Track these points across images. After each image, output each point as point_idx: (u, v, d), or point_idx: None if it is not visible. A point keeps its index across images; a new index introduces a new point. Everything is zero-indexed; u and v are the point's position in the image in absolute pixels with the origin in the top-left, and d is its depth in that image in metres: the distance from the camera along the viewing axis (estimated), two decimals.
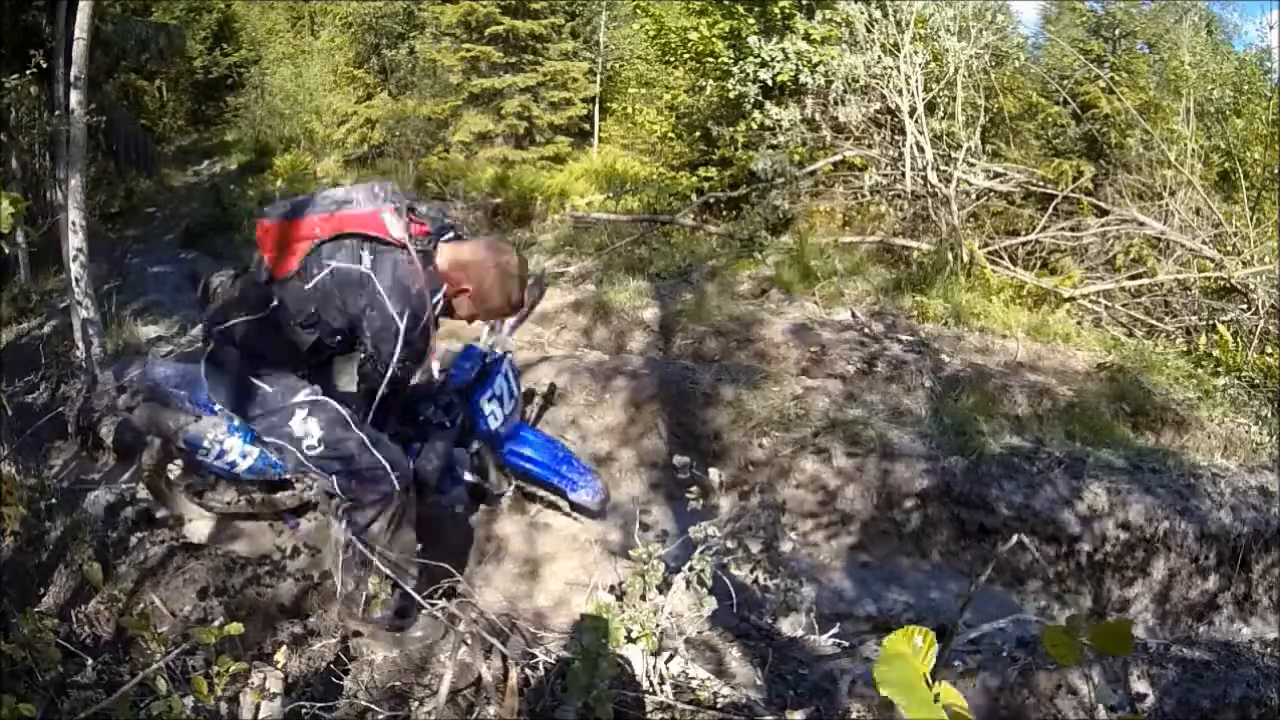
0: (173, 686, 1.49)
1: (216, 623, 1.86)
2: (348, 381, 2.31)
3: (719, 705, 1.91)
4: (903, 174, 6.84)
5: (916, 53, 6.86)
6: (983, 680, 1.93)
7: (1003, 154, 7.86)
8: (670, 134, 9.33)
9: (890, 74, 6.91)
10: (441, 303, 2.06)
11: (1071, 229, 6.28)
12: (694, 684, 1.98)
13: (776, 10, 7.74)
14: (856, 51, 7.17)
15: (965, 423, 3.57)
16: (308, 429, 2.02)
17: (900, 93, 6.79)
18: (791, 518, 3.29)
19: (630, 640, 1.96)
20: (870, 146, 7.39)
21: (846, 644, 2.48)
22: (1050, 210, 6.29)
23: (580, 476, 2.81)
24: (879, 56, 6.99)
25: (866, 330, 4.90)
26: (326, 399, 2.07)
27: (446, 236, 2.13)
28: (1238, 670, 2.03)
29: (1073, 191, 6.49)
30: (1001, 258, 6.09)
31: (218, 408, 2.39)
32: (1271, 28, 13.24)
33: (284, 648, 1.94)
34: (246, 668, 1.77)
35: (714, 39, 8.04)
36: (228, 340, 2.05)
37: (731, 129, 8.06)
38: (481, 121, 11.80)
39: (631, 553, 2.11)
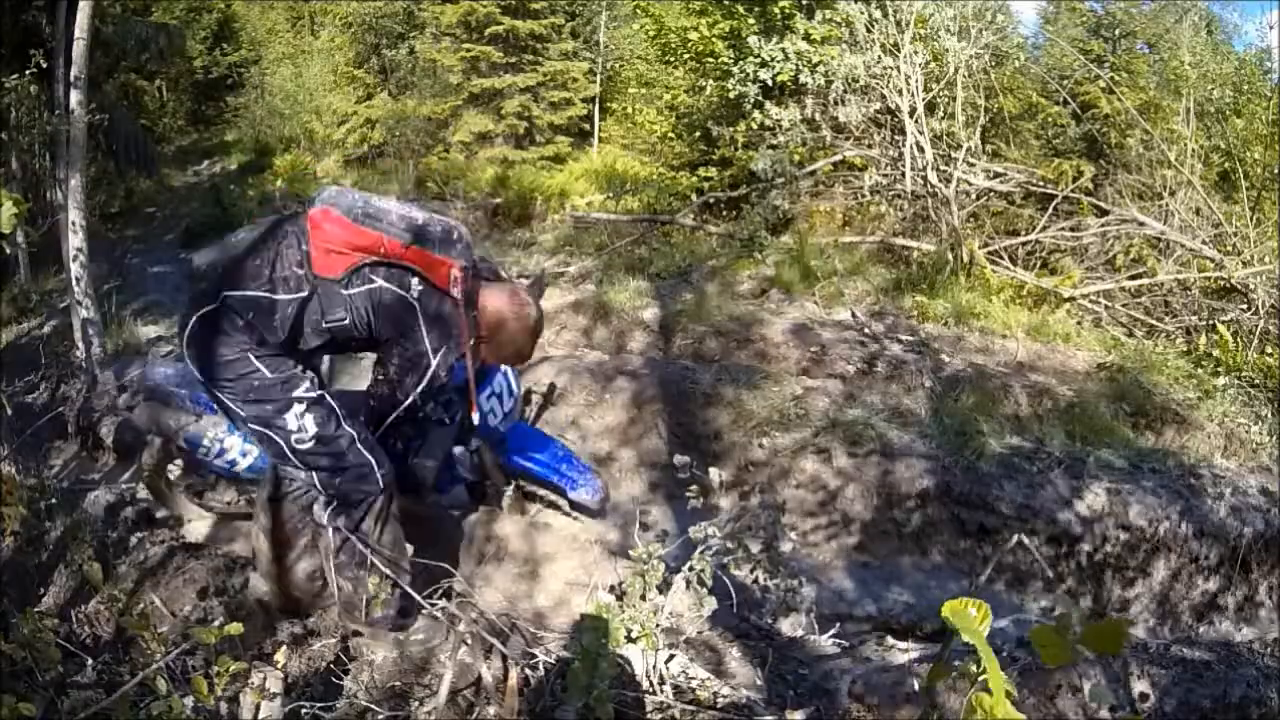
0: (173, 686, 1.49)
1: (216, 623, 1.86)
2: (348, 381, 2.31)
3: (719, 705, 1.91)
4: (903, 174, 6.84)
5: (916, 53, 6.86)
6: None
7: (1003, 154, 7.86)
8: (670, 134, 9.33)
9: (890, 74, 6.91)
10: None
11: (1071, 229, 6.28)
12: (694, 684, 1.98)
13: (776, 10, 7.74)
14: (856, 51, 7.17)
15: (966, 423, 3.57)
16: (303, 424, 1.96)
17: (900, 93, 6.79)
18: (792, 518, 3.29)
19: (630, 640, 1.96)
20: (870, 146, 7.39)
21: (846, 644, 2.48)
22: (1050, 210, 6.29)
23: (580, 475, 2.81)
24: (879, 56, 6.99)
25: (867, 330, 4.89)
26: (324, 395, 2.02)
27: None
28: (1238, 670, 2.03)
29: (1073, 191, 6.49)
30: (1001, 258, 6.09)
31: (217, 408, 2.39)
32: (1271, 28, 13.27)
33: (284, 648, 1.94)
34: (246, 668, 1.77)
35: (714, 39, 8.04)
36: (238, 309, 1.91)
37: (731, 129, 8.05)
38: (481, 121, 11.80)
39: (631, 553, 2.10)
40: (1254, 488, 3.40)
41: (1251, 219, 5.93)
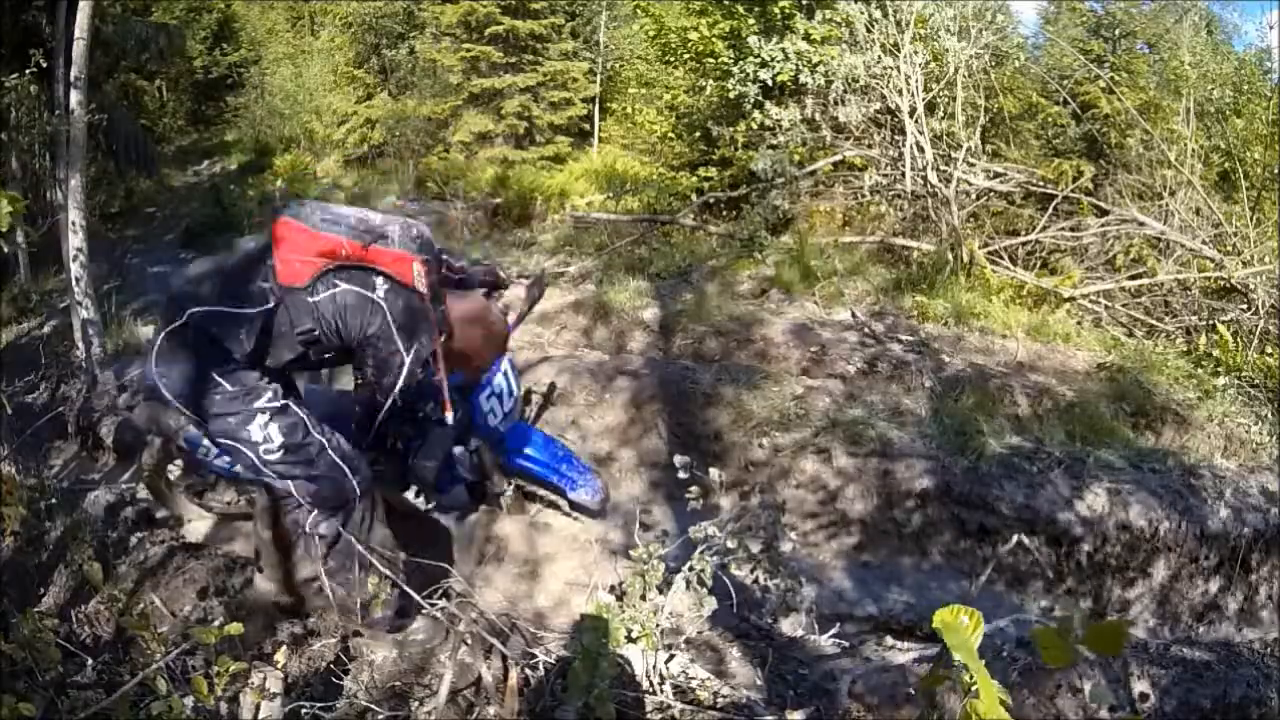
0: (173, 686, 1.49)
1: (216, 623, 1.86)
2: (348, 383, 2.31)
3: (719, 705, 1.91)
4: (903, 174, 6.84)
5: (916, 53, 6.85)
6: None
7: (1003, 154, 7.85)
8: (670, 134, 9.33)
9: (890, 74, 6.91)
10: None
11: (1071, 229, 6.28)
12: (694, 684, 1.98)
13: (776, 10, 7.73)
14: (856, 51, 7.17)
15: (966, 423, 3.57)
16: (268, 434, 1.95)
17: (900, 93, 6.79)
18: (792, 518, 3.29)
19: (630, 640, 1.96)
20: (870, 146, 7.38)
21: (846, 644, 2.48)
22: (1050, 210, 6.28)
23: (580, 475, 2.81)
24: (879, 56, 6.99)
25: (867, 330, 4.89)
26: (288, 403, 2.00)
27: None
28: (1238, 670, 2.03)
29: (1073, 191, 6.49)
30: (1001, 258, 6.08)
31: None
32: (1271, 28, 13.25)
33: (284, 648, 1.94)
34: (246, 668, 1.77)
35: (714, 39, 8.04)
36: (202, 325, 1.92)
37: (731, 129, 8.05)
38: (481, 121, 11.80)
39: (632, 553, 2.11)
40: (1254, 488, 3.40)
41: (1251, 219, 5.93)
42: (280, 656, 1.85)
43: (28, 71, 4.11)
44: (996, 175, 6.84)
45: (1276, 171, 6.43)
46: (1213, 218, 6.07)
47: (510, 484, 2.82)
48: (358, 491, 2.05)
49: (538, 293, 2.99)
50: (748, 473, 3.47)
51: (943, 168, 6.58)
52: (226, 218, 8.19)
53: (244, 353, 1.93)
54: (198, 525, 2.74)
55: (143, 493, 2.79)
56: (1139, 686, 1.97)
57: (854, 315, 5.17)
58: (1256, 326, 5.04)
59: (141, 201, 10.08)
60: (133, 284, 6.07)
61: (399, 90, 13.16)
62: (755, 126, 7.73)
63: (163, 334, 1.95)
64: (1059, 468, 3.36)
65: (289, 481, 2.00)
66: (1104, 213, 6.30)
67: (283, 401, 1.98)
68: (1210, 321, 5.28)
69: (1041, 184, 6.67)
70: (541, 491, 2.93)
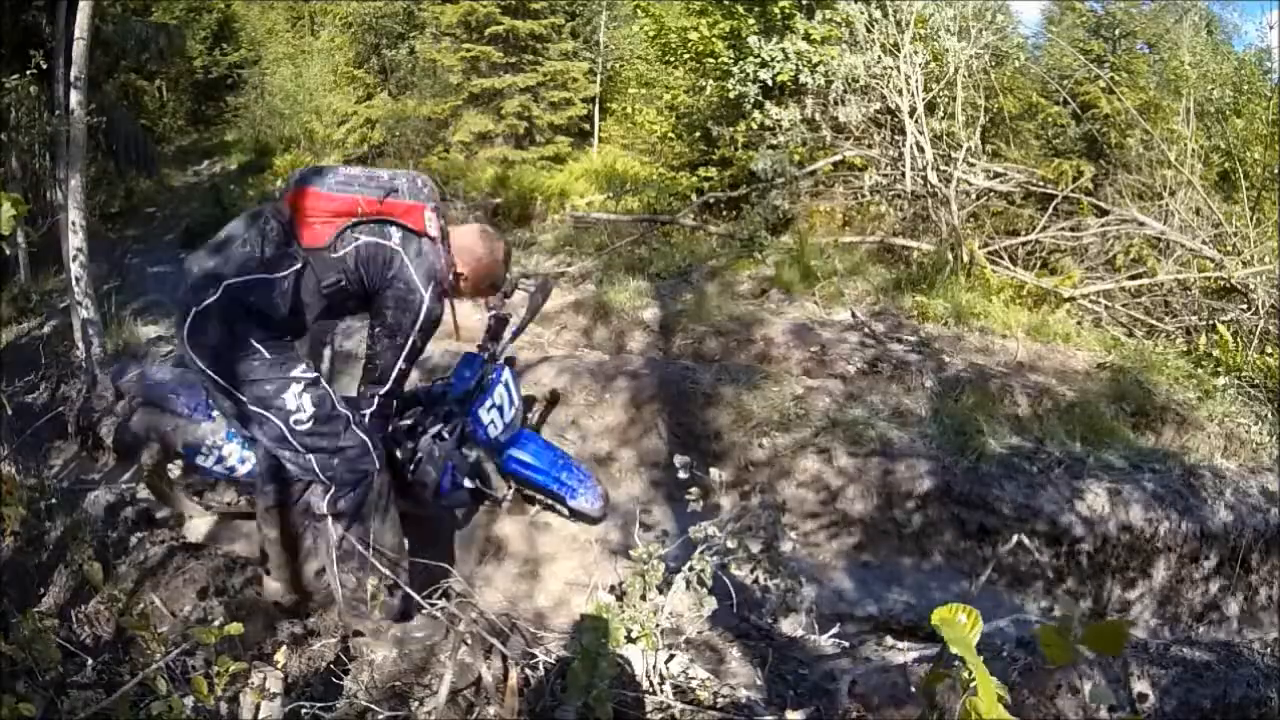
0: (173, 686, 1.49)
1: (216, 623, 1.86)
2: (348, 384, 2.31)
3: (719, 705, 1.91)
4: (903, 174, 6.84)
5: (916, 53, 6.85)
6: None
7: (1003, 154, 7.85)
8: (670, 134, 9.33)
9: (890, 74, 6.91)
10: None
11: (1071, 229, 6.28)
12: (694, 684, 1.98)
13: (776, 10, 7.73)
14: (856, 51, 7.17)
15: (966, 423, 3.57)
16: (301, 404, 2.03)
17: (900, 93, 6.79)
18: (792, 518, 3.29)
19: (630, 640, 1.96)
20: (870, 146, 7.39)
21: (846, 644, 2.48)
22: (1050, 210, 6.28)
23: (580, 483, 2.81)
24: (879, 56, 6.99)
25: (867, 330, 4.89)
26: (319, 377, 2.09)
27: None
28: (1238, 670, 2.03)
29: (1073, 191, 6.49)
30: (1001, 258, 6.08)
31: (215, 414, 2.40)
32: (1271, 28, 13.25)
33: (284, 648, 1.94)
34: (246, 668, 1.77)
35: (714, 39, 8.04)
36: (239, 296, 1.98)
37: (731, 129, 8.05)
38: (481, 121, 11.80)
39: (632, 553, 2.11)
40: (1254, 488, 3.40)
41: (1251, 219, 5.93)
42: (280, 656, 1.85)
43: (28, 71, 4.11)
44: (996, 175, 6.84)
45: (1276, 171, 6.43)
46: (1213, 218, 6.07)
47: (510, 487, 2.82)
48: (377, 467, 2.11)
49: (541, 299, 2.99)
50: (748, 473, 3.47)
51: (943, 168, 6.58)
52: (226, 218, 8.14)
53: (281, 315, 2.02)
54: (198, 525, 2.73)
55: (143, 493, 2.79)
56: (1139, 686, 1.97)
57: (854, 315, 5.17)
58: (1256, 326, 5.04)
59: (141, 201, 10.09)
60: (133, 284, 6.07)
61: (399, 90, 13.16)
62: (755, 126, 7.73)
63: (195, 310, 1.99)
64: (1059, 468, 3.36)
65: (313, 456, 2.06)
66: (1104, 213, 6.30)
67: (315, 374, 2.08)
68: (1210, 321, 5.28)
69: (1041, 184, 6.67)
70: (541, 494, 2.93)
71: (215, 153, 13.72)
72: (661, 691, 1.90)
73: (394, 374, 2.13)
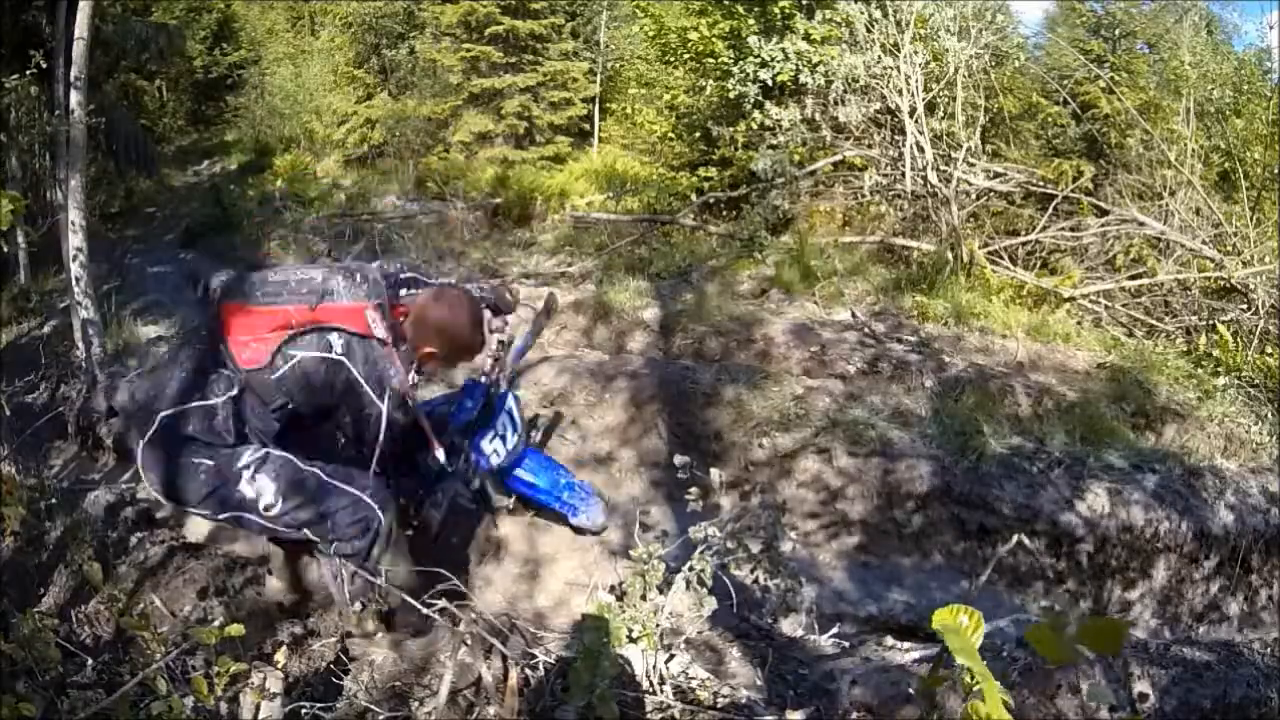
0: (173, 686, 1.49)
1: (216, 623, 1.86)
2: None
3: (719, 705, 1.91)
4: (903, 174, 6.84)
5: (916, 53, 6.85)
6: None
7: (1003, 154, 7.85)
8: (670, 134, 9.32)
9: (890, 74, 6.91)
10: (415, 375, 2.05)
11: (1071, 229, 6.28)
12: (694, 684, 1.98)
13: (776, 10, 7.73)
14: (856, 51, 7.17)
15: (966, 423, 3.57)
16: (259, 489, 1.91)
17: (900, 93, 6.79)
18: (792, 518, 3.29)
19: (631, 640, 1.96)
20: (870, 146, 7.39)
21: (846, 644, 2.48)
22: (1050, 210, 6.29)
23: (582, 502, 2.81)
24: (879, 56, 6.99)
25: (867, 330, 4.90)
26: (268, 450, 1.95)
27: (405, 291, 2.13)
28: (1238, 670, 2.03)
29: (1073, 191, 6.49)
30: (1001, 258, 6.09)
31: None
32: (1271, 28, 13.22)
33: (284, 648, 1.94)
34: (246, 668, 1.77)
35: (714, 39, 8.04)
36: (173, 427, 1.89)
37: (731, 129, 8.05)
38: (481, 121, 11.79)
39: (632, 553, 2.10)
40: (1255, 488, 3.40)
41: (1251, 219, 5.93)
42: (280, 656, 1.85)
43: (28, 72, 4.10)
44: (996, 175, 6.84)
45: (1276, 171, 6.43)
46: (1213, 218, 6.07)
47: (511, 497, 2.81)
48: (374, 506, 1.99)
49: (545, 319, 2.96)
50: (748, 473, 3.47)
51: (943, 168, 6.58)
52: (226, 218, 8.19)
53: (226, 443, 1.90)
54: (198, 525, 2.73)
55: (143, 493, 2.79)
56: (1139, 686, 1.96)
57: (854, 315, 5.17)
58: (1256, 326, 5.04)
59: (141, 201, 10.07)
60: (133, 284, 6.06)
61: (399, 90, 13.15)
62: (755, 126, 7.73)
63: (141, 446, 1.92)
64: (1059, 468, 3.36)
65: (305, 530, 1.97)
66: (1104, 213, 6.30)
67: (264, 451, 1.94)
68: (1210, 321, 5.28)
69: (1041, 184, 6.68)
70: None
71: (215, 153, 13.70)
72: (661, 691, 1.90)
73: (375, 461, 2.02)
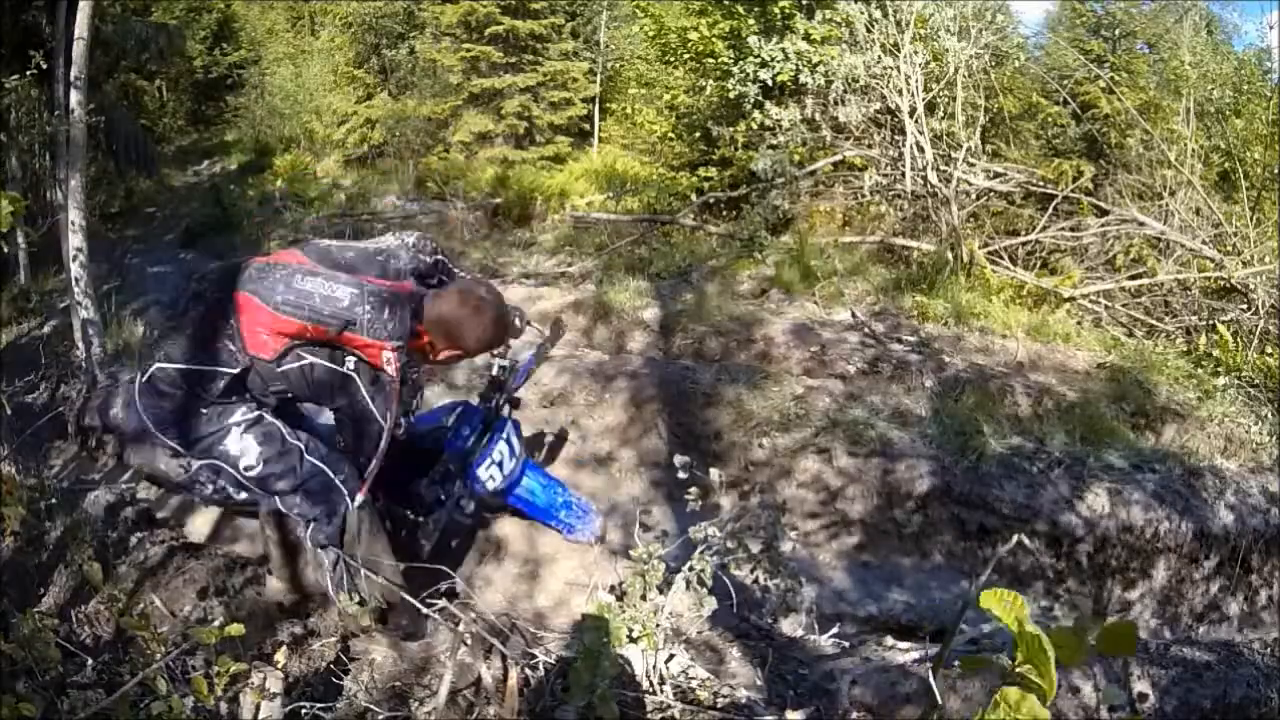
0: (173, 686, 1.49)
1: (216, 623, 1.86)
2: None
3: (719, 705, 1.91)
4: (903, 174, 6.84)
5: (916, 53, 6.85)
6: (983, 680, 1.93)
7: (1003, 154, 7.85)
8: (670, 134, 9.32)
9: (890, 74, 6.91)
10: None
11: (1071, 229, 6.28)
12: (694, 684, 1.98)
13: (776, 10, 7.73)
14: (856, 51, 7.17)
15: (966, 423, 3.57)
16: (244, 447, 1.94)
17: (900, 93, 6.79)
18: (792, 518, 3.29)
19: (631, 640, 1.96)
20: (870, 146, 7.39)
21: (846, 644, 2.48)
22: (1050, 210, 6.29)
23: (578, 520, 2.82)
24: (879, 56, 6.99)
25: (867, 330, 4.90)
26: (262, 414, 1.97)
27: (431, 282, 2.14)
28: (1238, 670, 2.03)
29: (1073, 191, 6.49)
30: (1001, 258, 6.09)
31: None
32: (1271, 28, 13.23)
33: (284, 648, 1.94)
34: (246, 668, 1.77)
35: (714, 39, 8.04)
36: (167, 382, 1.92)
37: (731, 129, 8.05)
38: (481, 121, 11.79)
39: (632, 553, 2.10)
40: (1255, 488, 3.40)
41: (1251, 219, 5.93)
42: (280, 656, 1.85)
43: (28, 72, 4.10)
44: (996, 175, 6.84)
45: (1276, 171, 6.43)
46: (1213, 218, 6.07)
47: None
48: (344, 491, 2.02)
49: (551, 345, 2.96)
50: (748, 473, 3.47)
51: (943, 168, 6.58)
52: (226, 218, 8.20)
53: (221, 400, 1.93)
54: (198, 525, 2.73)
55: (143, 493, 2.79)
56: (1139, 686, 1.97)
57: (854, 315, 5.17)
58: (1256, 326, 5.04)
59: (141, 201, 10.07)
60: (133, 284, 6.06)
61: (399, 90, 13.15)
62: (755, 126, 7.73)
63: (140, 381, 1.95)
64: (1059, 468, 3.36)
65: (275, 498, 2.00)
66: (1104, 213, 6.30)
67: (257, 413, 1.97)
68: (1210, 321, 5.29)
69: (1041, 184, 6.68)
70: None
71: (215, 153, 13.70)
72: (661, 692, 1.90)
73: (373, 468, 2.03)
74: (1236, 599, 3.24)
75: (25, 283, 5.77)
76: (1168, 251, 6.00)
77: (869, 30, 7.09)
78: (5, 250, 5.25)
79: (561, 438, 3.60)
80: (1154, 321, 5.54)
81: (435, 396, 3.50)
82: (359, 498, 2.05)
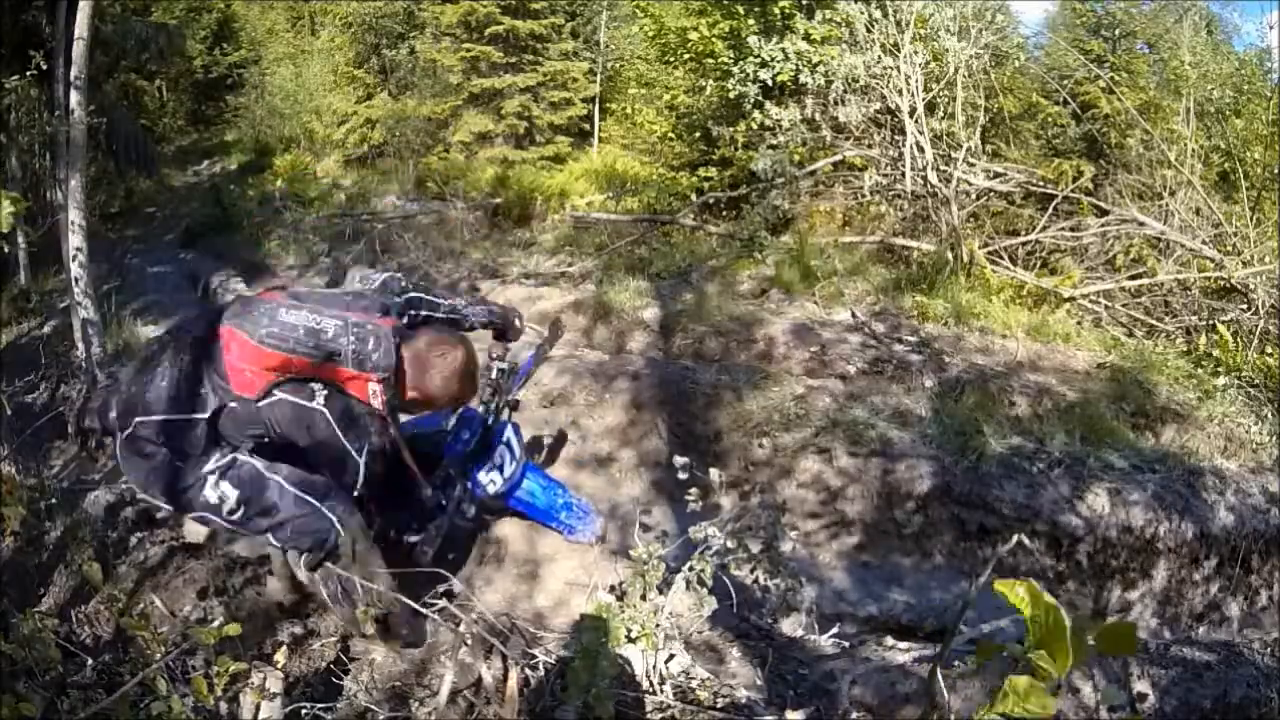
0: (173, 686, 1.49)
1: (216, 623, 1.86)
2: None
3: (719, 705, 1.91)
4: (903, 174, 6.84)
5: (916, 53, 6.85)
6: (983, 680, 1.93)
7: (1003, 154, 7.85)
8: (670, 134, 9.32)
9: (890, 74, 6.91)
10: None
11: (1071, 229, 6.28)
12: (694, 684, 1.98)
13: (776, 10, 7.73)
14: (856, 51, 7.17)
15: (966, 423, 3.57)
16: (221, 494, 1.91)
17: (900, 93, 6.79)
18: (792, 518, 3.29)
19: (630, 640, 1.96)
20: (870, 146, 7.39)
21: (846, 644, 2.48)
22: (1050, 210, 6.29)
23: (579, 521, 2.81)
24: (879, 56, 6.99)
25: (867, 330, 4.90)
26: (235, 456, 1.94)
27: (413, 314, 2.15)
28: (1238, 670, 2.03)
29: (1073, 191, 6.49)
30: (1001, 258, 6.09)
31: None
32: (1271, 28, 13.24)
33: (284, 648, 1.94)
34: (246, 668, 1.77)
35: (714, 39, 8.04)
36: (150, 436, 1.89)
37: (731, 129, 8.05)
38: (481, 121, 11.80)
39: (632, 553, 2.10)
40: (1255, 489, 3.40)
41: (1251, 219, 5.93)
42: (280, 656, 1.85)
43: (28, 72, 4.10)
44: (996, 175, 6.84)
45: (1276, 171, 6.43)
46: (1213, 218, 6.07)
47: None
48: (332, 518, 1.97)
49: (550, 346, 2.95)
50: (748, 473, 3.47)
51: (943, 168, 6.58)
52: (226, 218, 8.20)
53: (195, 451, 1.91)
54: (198, 525, 2.73)
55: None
56: (1139, 686, 1.97)
57: (854, 315, 5.17)
58: (1256, 326, 5.04)
59: (141, 201, 10.08)
60: (133, 284, 6.06)
61: (399, 90, 13.15)
62: (755, 126, 7.73)
63: (120, 443, 1.93)
64: (1059, 468, 3.36)
65: (267, 536, 1.98)
66: (1104, 213, 6.30)
67: (230, 456, 1.94)
68: (1210, 321, 5.28)
69: (1041, 184, 6.68)
70: None
71: (215, 153, 13.71)
72: (661, 691, 1.90)
73: (354, 490, 2.01)
74: (1236, 599, 3.24)
75: (25, 283, 5.77)
76: (1168, 251, 6.00)
77: (869, 30, 7.09)
78: (5, 250, 5.25)
79: (561, 438, 3.59)
80: (1154, 321, 5.54)
81: None
82: (348, 531, 2.01)
